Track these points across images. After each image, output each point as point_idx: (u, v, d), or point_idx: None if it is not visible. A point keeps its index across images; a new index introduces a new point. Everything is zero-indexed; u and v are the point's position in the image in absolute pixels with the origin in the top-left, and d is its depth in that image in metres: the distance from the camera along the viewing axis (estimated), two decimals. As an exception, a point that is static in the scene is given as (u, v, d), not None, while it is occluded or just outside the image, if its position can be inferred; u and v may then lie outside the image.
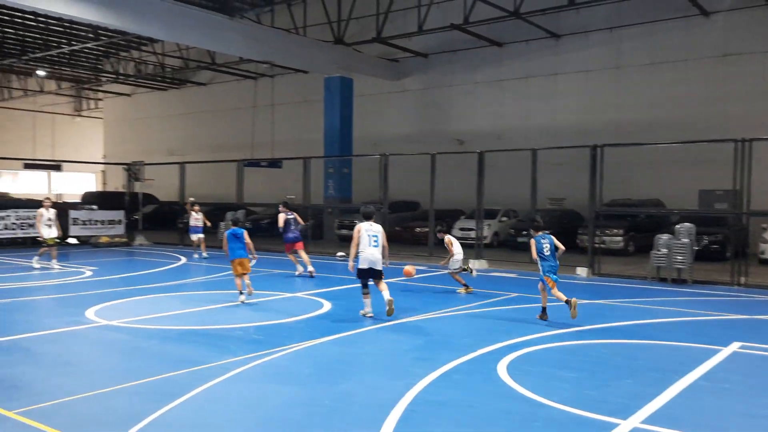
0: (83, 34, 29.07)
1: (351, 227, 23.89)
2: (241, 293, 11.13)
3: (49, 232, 16.24)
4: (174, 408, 5.72)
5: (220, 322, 9.64)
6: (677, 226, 14.76)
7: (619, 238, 19.72)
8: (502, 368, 7.05)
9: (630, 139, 19.29)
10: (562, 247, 9.77)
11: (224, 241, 11.45)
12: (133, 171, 24.94)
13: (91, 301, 11.14)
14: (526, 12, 21.43)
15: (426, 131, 27.40)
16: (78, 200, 30.90)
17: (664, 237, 14.62)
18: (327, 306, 10.95)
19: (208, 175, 29.45)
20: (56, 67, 35.96)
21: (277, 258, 18.72)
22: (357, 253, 9.76)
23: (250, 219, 26.11)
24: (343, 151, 25.43)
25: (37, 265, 15.97)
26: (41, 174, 43.73)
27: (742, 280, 13.92)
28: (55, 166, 25.14)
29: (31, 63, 33.80)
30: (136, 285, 13.44)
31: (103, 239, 22.88)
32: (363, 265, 9.75)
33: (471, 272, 13.00)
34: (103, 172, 43.58)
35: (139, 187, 25.12)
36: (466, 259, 13.40)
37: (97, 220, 23.09)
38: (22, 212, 21.42)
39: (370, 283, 9.93)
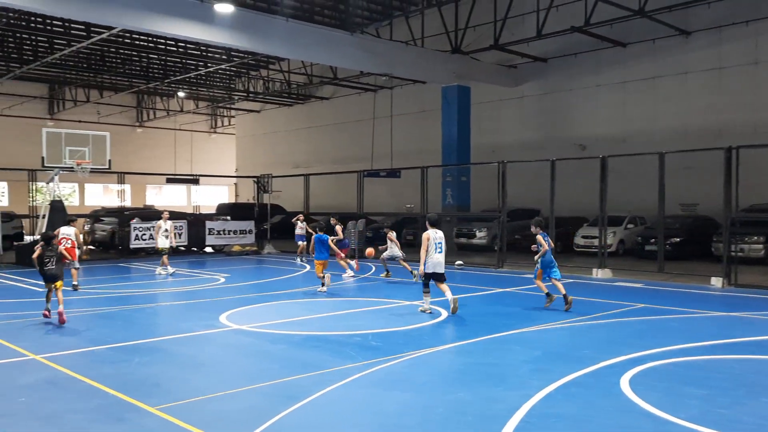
0: (217, 56, 31.15)
1: (470, 236, 23.92)
2: (323, 285, 13.63)
3: (164, 242, 17.62)
4: (297, 409, 6.03)
5: (341, 328, 9.99)
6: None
7: (760, 246, 18.27)
8: (624, 382, 6.81)
9: (771, 140, 17.85)
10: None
11: (312, 244, 14.28)
12: (262, 183, 26.35)
13: (224, 306, 11.91)
14: (652, 10, 20.44)
15: (545, 137, 26.81)
16: (213, 211, 33.05)
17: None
18: (444, 314, 11.02)
19: (331, 186, 30.47)
20: (194, 88, 38.73)
21: (395, 266, 19.03)
22: (426, 257, 10.92)
23: (370, 228, 26.71)
24: (460, 159, 25.44)
25: (163, 272, 17.37)
26: (181, 187, 47.26)
27: None
28: (194, 180, 27.08)
29: (173, 85, 36.62)
30: (265, 291, 14.21)
31: (236, 248, 24.30)
32: (430, 269, 10.95)
33: (414, 277, 14.47)
34: (235, 184, 46.31)
35: (267, 199, 26.49)
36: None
37: (230, 230, 24.59)
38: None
39: (432, 283, 11.09)
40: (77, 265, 14.46)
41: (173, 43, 28.98)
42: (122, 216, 23.43)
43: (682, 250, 19.48)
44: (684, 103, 23.36)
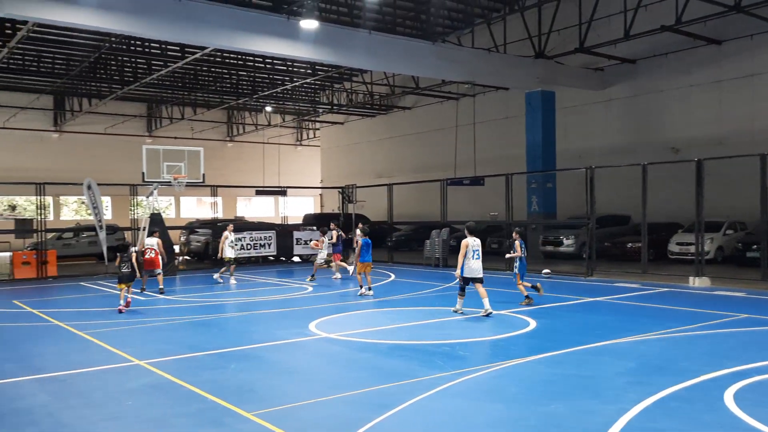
0: (302, 70, 32.01)
1: (556, 243, 23.38)
2: (361, 287, 14.78)
3: (230, 252, 18.15)
4: (387, 419, 6.09)
5: (428, 337, 10.00)
6: None
7: None
8: (728, 397, 6.47)
9: None
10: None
11: (358, 247, 15.11)
12: (346, 193, 26.80)
13: (313, 315, 12.19)
14: (750, 4, 19.41)
15: (635, 141, 25.89)
16: (299, 222, 33.88)
17: None
18: (533, 324, 10.84)
19: (413, 195, 30.59)
20: (280, 102, 39.94)
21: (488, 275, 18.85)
22: (463, 263, 11.70)
23: (454, 236, 26.60)
24: (546, 165, 24.94)
25: (221, 280, 18.09)
26: (269, 199, 48.72)
27: None
28: (282, 192, 27.88)
29: (260, 101, 37.92)
30: (351, 301, 14.43)
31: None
32: (467, 274, 11.76)
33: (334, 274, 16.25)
34: (320, 195, 47.32)
35: (352, 208, 26.90)
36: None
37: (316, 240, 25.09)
38: (255, 234, 24.01)
39: (469, 287, 11.93)
40: (159, 271, 16.35)
41: (261, 59, 30.04)
42: (215, 227, 24.42)
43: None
44: (787, 101, 21.99)
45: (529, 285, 13.33)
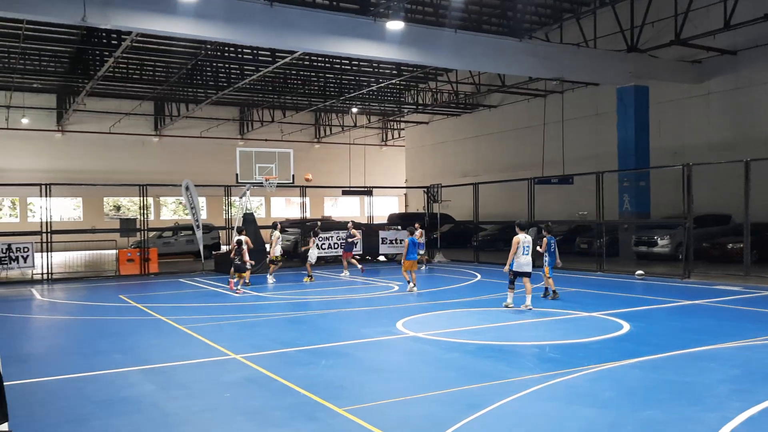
0: (388, 71, 32.31)
1: (650, 244, 22.47)
2: (409, 282, 15.62)
3: (279, 251, 18.57)
4: (476, 419, 6.08)
5: (516, 338, 9.89)
6: None
7: None
8: (844, 410, 6.05)
9: None
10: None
11: (406, 245, 15.99)
12: (431, 193, 26.82)
13: (400, 313, 12.30)
14: None
15: (736, 136, 24.50)
16: (384, 221, 34.21)
17: None
18: (626, 327, 10.50)
19: (500, 194, 30.21)
20: (366, 103, 40.47)
21: (572, 276, 18.44)
22: (513, 258, 12.44)
23: (541, 237, 26.06)
24: (639, 163, 24.02)
25: (271, 280, 18.49)
26: (355, 199, 49.46)
27: None
28: (367, 192, 28.24)
29: (347, 102, 38.58)
30: (437, 300, 14.45)
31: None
32: (517, 269, 12.51)
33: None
34: (405, 194, 47.56)
35: (437, 208, 26.89)
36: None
37: (401, 240, 25.26)
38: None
39: (518, 282, 12.65)
40: (248, 266, 17.25)
41: (348, 62, 30.54)
42: (304, 227, 25.04)
43: None
44: None
45: (554, 287, 13.97)
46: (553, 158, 32.02)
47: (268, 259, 19.39)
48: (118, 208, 44.77)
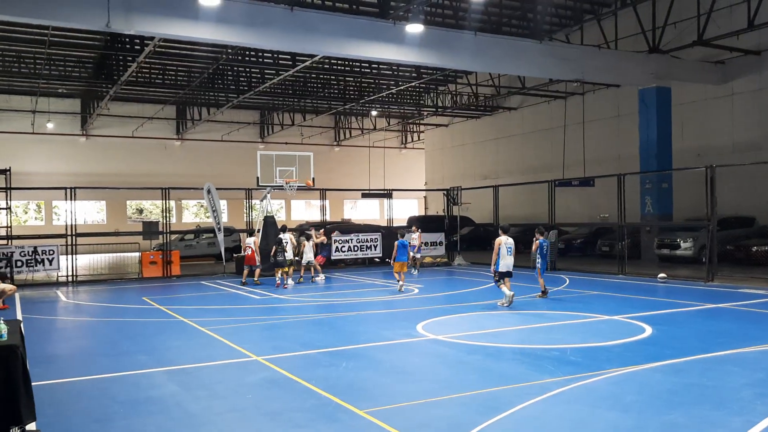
0: (407, 74, 32.36)
1: (673, 246, 22.24)
2: (398, 281, 16.21)
3: (290, 255, 18.44)
4: (497, 422, 6.08)
5: (535, 341, 9.86)
6: None
7: None
8: None
9: None
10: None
11: (395, 248, 16.44)
12: (451, 195, 26.79)
13: (420, 316, 12.31)
14: None
15: (761, 137, 24.15)
16: (404, 224, 34.19)
17: None
18: (648, 330, 10.41)
19: (520, 197, 30.07)
20: (385, 106, 40.55)
21: (593, 278, 18.32)
22: (498, 259, 13.17)
23: (562, 239, 25.95)
24: (661, 165, 23.79)
25: (292, 282, 18.45)
26: (375, 201, 49.54)
27: None
28: (387, 195, 28.28)
29: (366, 105, 38.70)
30: (457, 302, 14.44)
31: (427, 259, 24.92)
32: (503, 269, 13.22)
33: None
34: (425, 197, 47.53)
35: (457, 211, 26.85)
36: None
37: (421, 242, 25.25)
38: (362, 236, 24.50)
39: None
40: (257, 266, 18.63)
41: (367, 65, 30.65)
42: (324, 229, 25.13)
43: None
44: None
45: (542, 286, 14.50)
46: (573, 160, 31.81)
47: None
48: (140, 211, 45.30)
